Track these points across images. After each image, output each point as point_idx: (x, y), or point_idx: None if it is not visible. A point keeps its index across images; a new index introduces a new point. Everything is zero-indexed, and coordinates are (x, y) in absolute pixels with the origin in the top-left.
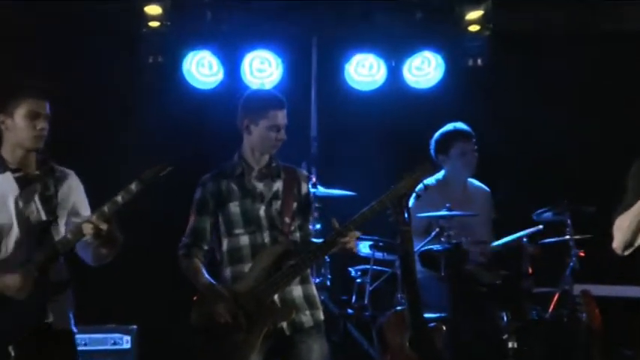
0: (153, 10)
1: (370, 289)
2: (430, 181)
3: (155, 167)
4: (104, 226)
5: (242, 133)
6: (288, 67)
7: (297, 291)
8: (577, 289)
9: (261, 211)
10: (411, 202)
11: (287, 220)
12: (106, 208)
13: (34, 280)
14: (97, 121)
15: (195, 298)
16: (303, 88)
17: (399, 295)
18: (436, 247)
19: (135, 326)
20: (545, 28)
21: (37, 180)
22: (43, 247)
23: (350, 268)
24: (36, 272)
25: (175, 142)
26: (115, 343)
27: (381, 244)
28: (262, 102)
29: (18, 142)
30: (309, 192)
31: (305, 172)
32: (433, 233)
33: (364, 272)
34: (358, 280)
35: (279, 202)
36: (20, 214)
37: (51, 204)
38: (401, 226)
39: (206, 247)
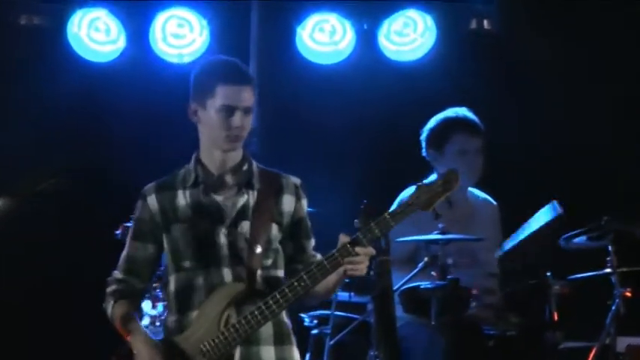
0: None
1: (331, 343)
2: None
3: (33, 179)
4: None
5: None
6: (216, 33)
7: (267, 354)
8: (622, 342)
9: (221, 237)
10: None
11: (258, 249)
12: None
13: None
14: None
15: (115, 356)
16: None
17: (371, 353)
18: (425, 283)
19: None
20: None
21: None
22: None
23: (302, 315)
24: None
25: (60, 141)
26: None
27: (346, 280)
28: (209, 74)
29: None
30: (298, 209)
31: (295, 180)
32: (420, 264)
33: (322, 320)
34: (314, 332)
35: (247, 224)
36: None
37: None
38: (376, 254)
39: (144, 286)
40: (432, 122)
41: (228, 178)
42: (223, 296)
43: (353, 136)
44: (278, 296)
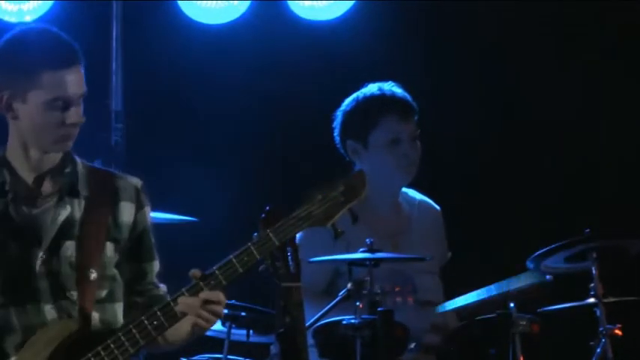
0: None
1: None
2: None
3: None
4: None
5: (4, 116)
6: None
7: None
8: None
9: (37, 263)
10: (299, 236)
11: (92, 275)
12: None
13: None
14: None
15: None
16: (96, 18)
17: None
18: (348, 318)
19: None
20: None
21: None
22: None
23: (183, 359)
24: None
25: None
26: None
27: (242, 313)
28: (27, 55)
29: None
30: (138, 220)
31: (134, 181)
32: (341, 292)
33: None
34: None
35: (72, 244)
36: None
37: None
38: (280, 279)
39: None
40: (350, 103)
41: (47, 185)
42: (48, 340)
43: (247, 119)
44: (123, 339)
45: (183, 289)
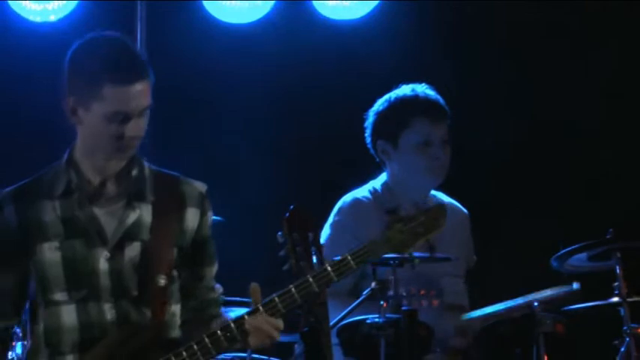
0: None
1: None
2: (362, 193)
3: None
4: None
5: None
6: None
7: None
8: None
9: (101, 262)
10: (325, 233)
11: (161, 279)
12: None
13: None
14: None
15: None
16: (122, 18)
17: None
18: (372, 317)
19: None
20: None
21: None
22: None
23: None
24: None
25: None
26: None
27: None
28: (93, 67)
29: None
30: (202, 225)
31: (199, 186)
32: (365, 292)
33: None
34: None
35: (137, 246)
36: None
37: None
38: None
39: (6, 326)
40: (382, 103)
41: (112, 187)
42: (114, 347)
43: (271, 118)
44: (195, 347)
45: (245, 314)
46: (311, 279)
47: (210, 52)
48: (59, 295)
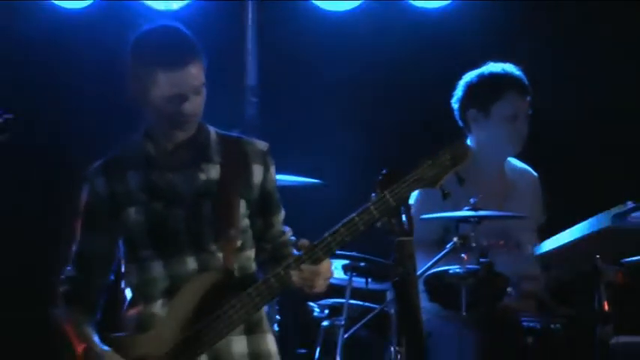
0: None
1: (345, 337)
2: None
3: None
4: None
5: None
6: None
7: (238, 346)
8: None
9: (180, 221)
10: (413, 196)
11: (229, 231)
12: None
13: None
14: None
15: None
16: (234, 8)
17: (392, 349)
18: (454, 268)
19: None
20: None
21: None
22: None
23: (311, 303)
24: None
25: (19, 99)
26: None
27: (362, 264)
28: (148, 56)
29: None
30: (267, 179)
31: (261, 146)
32: (449, 245)
33: (335, 310)
34: (325, 323)
35: (209, 204)
36: None
37: None
38: (395, 234)
39: (102, 282)
40: (476, 76)
41: (183, 154)
42: (193, 290)
43: (368, 95)
44: (250, 294)
45: (290, 260)
46: (357, 218)
47: (312, 34)
48: (147, 252)
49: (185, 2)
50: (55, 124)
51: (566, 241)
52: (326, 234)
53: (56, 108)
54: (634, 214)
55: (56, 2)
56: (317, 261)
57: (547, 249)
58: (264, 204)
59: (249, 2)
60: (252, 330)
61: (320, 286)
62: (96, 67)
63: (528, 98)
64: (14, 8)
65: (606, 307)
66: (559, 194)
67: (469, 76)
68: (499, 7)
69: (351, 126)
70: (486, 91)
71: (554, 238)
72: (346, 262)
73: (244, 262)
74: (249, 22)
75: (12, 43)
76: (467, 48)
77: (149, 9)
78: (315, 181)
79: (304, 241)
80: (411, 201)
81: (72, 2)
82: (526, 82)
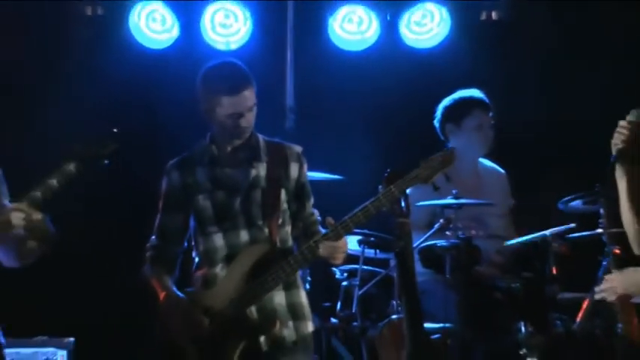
0: None
1: (359, 293)
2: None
3: (96, 144)
4: (37, 216)
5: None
6: (258, 22)
7: (278, 298)
8: None
9: (237, 205)
10: (410, 189)
11: (275, 213)
12: (38, 194)
13: None
14: (14, 90)
15: (159, 309)
16: (276, 47)
17: (394, 302)
18: (440, 242)
19: (71, 339)
20: None
21: None
22: None
23: (333, 269)
24: None
25: (120, 118)
26: (47, 359)
27: (372, 239)
28: (213, 85)
29: None
30: (301, 174)
31: (297, 149)
32: (436, 225)
33: (352, 273)
34: (344, 283)
35: (258, 192)
36: None
37: None
38: (397, 217)
39: (178, 249)
40: (450, 100)
41: (239, 154)
42: (246, 257)
43: (375, 113)
44: (289, 261)
45: (321, 236)
46: (370, 205)
47: (335, 68)
48: (212, 228)
49: (241, 43)
50: (147, 133)
51: (524, 239)
52: (346, 217)
53: (149, 122)
54: (571, 204)
55: (143, 44)
56: (339, 237)
57: (512, 242)
58: (298, 192)
59: (289, 45)
60: (289, 287)
61: (339, 258)
62: (176, 92)
63: (490, 114)
64: (109, 49)
65: (554, 271)
66: (522, 186)
67: (446, 101)
68: (476, 47)
69: (367, 135)
70: (458, 109)
71: (518, 239)
72: (360, 237)
73: (284, 235)
74: (289, 58)
75: (115, 77)
76: (452, 79)
77: (213, 49)
78: (338, 177)
79: (330, 219)
80: (409, 192)
81: (156, 42)
82: (488, 102)
